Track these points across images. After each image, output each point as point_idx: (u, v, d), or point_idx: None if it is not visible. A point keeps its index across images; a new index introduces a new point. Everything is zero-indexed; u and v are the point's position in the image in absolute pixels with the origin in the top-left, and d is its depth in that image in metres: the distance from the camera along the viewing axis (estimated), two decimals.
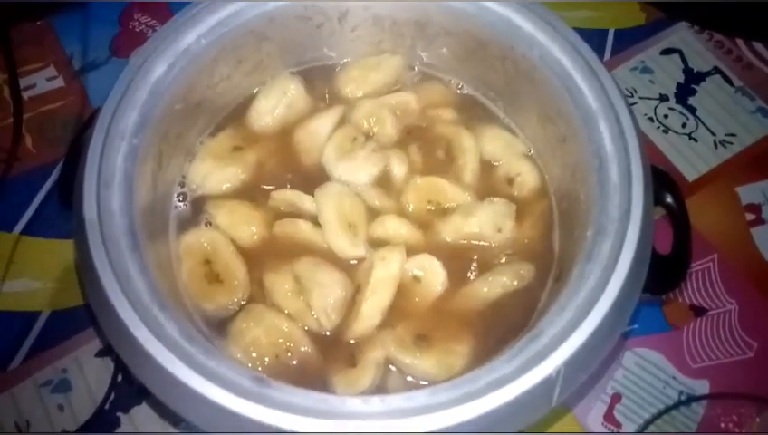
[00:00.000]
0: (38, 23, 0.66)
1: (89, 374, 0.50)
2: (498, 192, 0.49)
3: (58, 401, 0.49)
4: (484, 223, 0.47)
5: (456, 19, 0.49)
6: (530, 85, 0.48)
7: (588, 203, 0.41)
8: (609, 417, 0.50)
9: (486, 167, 0.51)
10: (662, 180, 0.43)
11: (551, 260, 0.47)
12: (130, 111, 0.42)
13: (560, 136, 0.46)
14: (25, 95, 0.62)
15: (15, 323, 0.52)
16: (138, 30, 0.66)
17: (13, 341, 0.51)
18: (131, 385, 0.49)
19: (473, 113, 0.53)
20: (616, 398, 0.50)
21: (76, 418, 0.48)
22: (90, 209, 0.38)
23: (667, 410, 0.48)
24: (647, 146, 0.59)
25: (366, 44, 0.53)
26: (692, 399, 0.49)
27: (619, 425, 0.50)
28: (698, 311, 0.54)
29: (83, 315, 0.51)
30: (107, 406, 0.49)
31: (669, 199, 0.43)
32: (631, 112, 0.43)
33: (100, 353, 0.51)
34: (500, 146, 0.51)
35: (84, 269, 0.38)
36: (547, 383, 0.34)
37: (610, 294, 0.36)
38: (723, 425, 0.48)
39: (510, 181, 0.50)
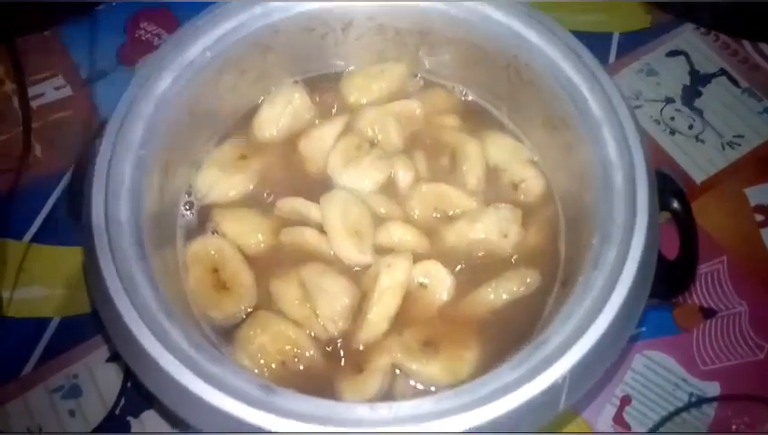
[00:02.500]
0: (46, 33, 0.67)
1: (99, 380, 0.50)
2: (504, 198, 0.49)
3: (69, 407, 0.49)
4: (490, 229, 0.47)
5: (459, 28, 0.49)
6: (534, 93, 0.48)
7: (593, 210, 0.41)
8: (618, 419, 0.50)
9: (492, 173, 0.51)
10: (667, 185, 0.43)
11: (556, 266, 0.47)
12: (137, 123, 0.42)
13: (564, 143, 0.46)
14: (34, 104, 0.62)
15: (27, 329, 0.52)
16: (144, 39, 0.67)
17: (24, 347, 0.51)
18: (141, 390, 0.50)
19: (477, 120, 0.53)
20: (626, 400, 0.51)
21: (87, 423, 0.49)
22: (98, 219, 0.39)
23: (678, 411, 0.49)
24: (653, 148, 0.60)
25: (370, 53, 0.53)
26: (702, 401, 0.49)
27: (628, 427, 0.50)
28: (708, 313, 0.54)
29: (93, 322, 0.52)
30: (117, 411, 0.49)
31: (675, 204, 0.43)
32: (635, 119, 0.43)
33: (110, 359, 0.51)
34: (505, 152, 0.51)
35: (92, 278, 0.39)
36: (553, 390, 0.34)
37: (616, 302, 0.36)
38: (734, 427, 0.48)
39: (515, 187, 0.50)
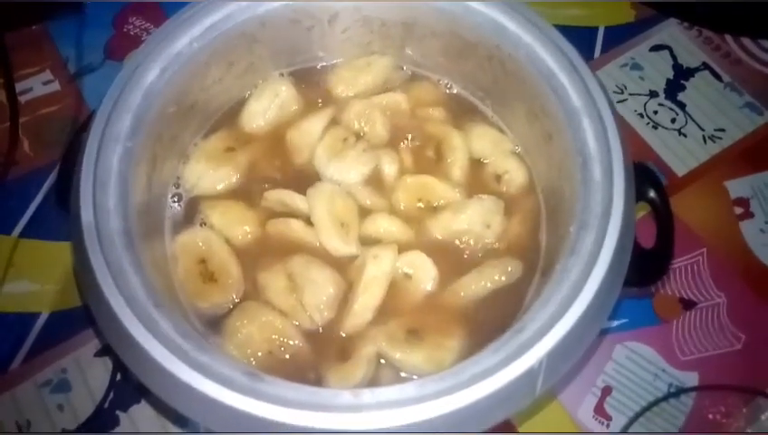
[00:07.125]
0: (34, 27, 0.66)
1: (88, 374, 0.51)
2: (487, 189, 0.50)
3: (58, 401, 0.50)
4: (474, 220, 0.47)
5: (443, 20, 0.50)
6: (516, 84, 0.48)
7: (572, 199, 0.41)
8: (599, 410, 0.51)
9: (475, 164, 0.51)
10: (646, 176, 0.44)
11: (538, 256, 0.47)
12: (125, 115, 0.43)
13: (545, 134, 0.47)
14: (22, 99, 0.62)
15: (15, 324, 0.52)
16: (132, 33, 0.67)
17: (13, 342, 0.52)
18: (130, 384, 0.50)
19: (462, 112, 0.54)
20: (606, 391, 0.51)
21: (76, 417, 0.49)
22: (86, 210, 0.39)
23: (657, 402, 0.49)
24: (637, 142, 0.61)
25: (356, 45, 0.54)
26: (681, 391, 0.50)
27: (609, 417, 0.50)
28: (687, 304, 0.54)
29: (82, 316, 0.52)
30: (106, 405, 0.50)
31: (652, 194, 0.44)
32: (614, 110, 0.43)
33: (99, 353, 0.51)
34: (488, 144, 0.52)
35: (81, 268, 0.39)
36: (530, 374, 0.35)
37: (592, 287, 0.37)
38: (711, 416, 0.48)
39: (498, 178, 0.51)
